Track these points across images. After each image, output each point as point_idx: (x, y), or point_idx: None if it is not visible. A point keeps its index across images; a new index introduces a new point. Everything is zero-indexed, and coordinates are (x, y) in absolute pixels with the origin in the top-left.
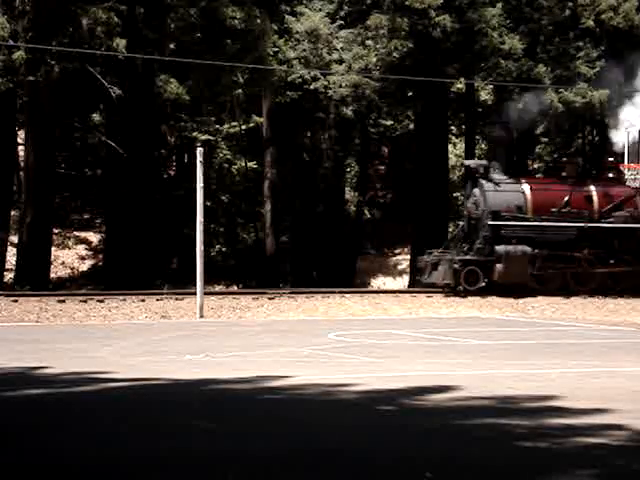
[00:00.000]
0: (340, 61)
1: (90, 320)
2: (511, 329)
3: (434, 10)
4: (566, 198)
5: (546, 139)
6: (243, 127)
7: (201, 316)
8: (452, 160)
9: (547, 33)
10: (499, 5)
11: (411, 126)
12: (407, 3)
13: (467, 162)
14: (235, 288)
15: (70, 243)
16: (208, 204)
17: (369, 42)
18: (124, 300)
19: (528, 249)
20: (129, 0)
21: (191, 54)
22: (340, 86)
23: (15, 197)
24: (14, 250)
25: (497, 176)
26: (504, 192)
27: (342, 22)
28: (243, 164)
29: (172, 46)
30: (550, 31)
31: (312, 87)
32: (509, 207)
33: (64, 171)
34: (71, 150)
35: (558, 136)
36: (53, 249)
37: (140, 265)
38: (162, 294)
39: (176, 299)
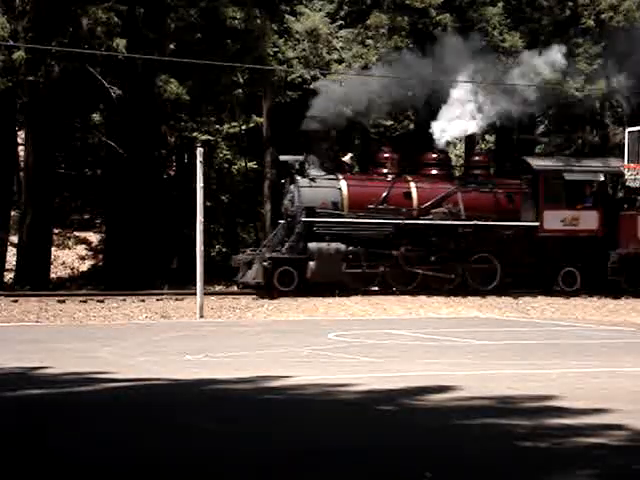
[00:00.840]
0: (340, 61)
1: (90, 320)
2: (511, 329)
3: (434, 9)
4: (384, 194)
5: (546, 139)
6: (243, 127)
7: (201, 316)
8: (452, 160)
9: (547, 33)
10: (500, 4)
11: (411, 126)
12: (407, 2)
13: (283, 157)
14: (235, 288)
15: (70, 243)
16: (208, 204)
17: (369, 41)
18: (124, 300)
19: (342, 246)
20: (129, 0)
21: (191, 54)
22: (340, 85)
23: (15, 197)
24: (14, 250)
25: (313, 172)
26: (320, 188)
27: (342, 22)
28: (243, 164)
29: (172, 46)
30: (550, 31)
31: (312, 87)
32: (325, 203)
33: (64, 171)
34: (71, 150)
35: (558, 136)
36: (53, 249)
37: (140, 265)
38: (162, 294)
39: (176, 299)
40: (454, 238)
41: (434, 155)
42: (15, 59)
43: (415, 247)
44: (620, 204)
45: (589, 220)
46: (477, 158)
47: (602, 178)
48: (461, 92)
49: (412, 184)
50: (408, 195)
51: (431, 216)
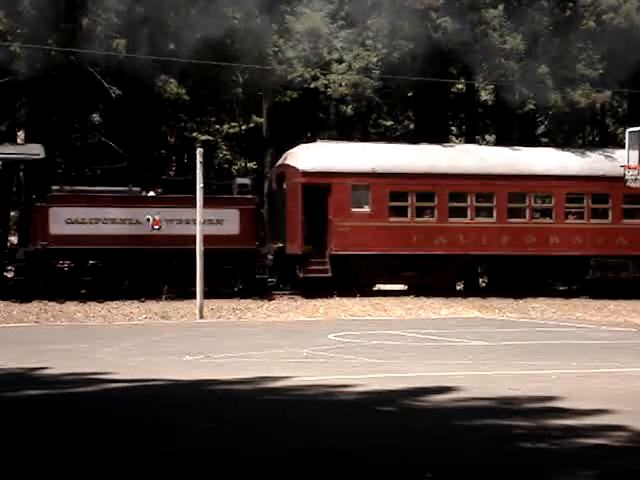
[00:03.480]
0: (340, 61)
1: (90, 321)
2: (511, 330)
3: (435, 11)
4: None
5: (546, 139)
6: (243, 127)
7: (201, 317)
8: None
9: (548, 34)
10: (500, 6)
11: (411, 126)
12: (407, 4)
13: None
14: (235, 289)
15: None
16: None
17: (369, 42)
18: (124, 301)
19: None
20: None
21: (191, 54)
22: (340, 85)
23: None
24: None
25: None
26: None
27: (342, 22)
28: (243, 164)
29: (172, 46)
30: (551, 32)
31: (312, 86)
32: None
33: (63, 171)
34: (71, 150)
35: (559, 136)
36: None
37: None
38: (162, 295)
39: (176, 300)
40: None
41: None
42: (14, 58)
43: None
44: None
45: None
46: None
47: None
48: None
49: None
50: None
51: None
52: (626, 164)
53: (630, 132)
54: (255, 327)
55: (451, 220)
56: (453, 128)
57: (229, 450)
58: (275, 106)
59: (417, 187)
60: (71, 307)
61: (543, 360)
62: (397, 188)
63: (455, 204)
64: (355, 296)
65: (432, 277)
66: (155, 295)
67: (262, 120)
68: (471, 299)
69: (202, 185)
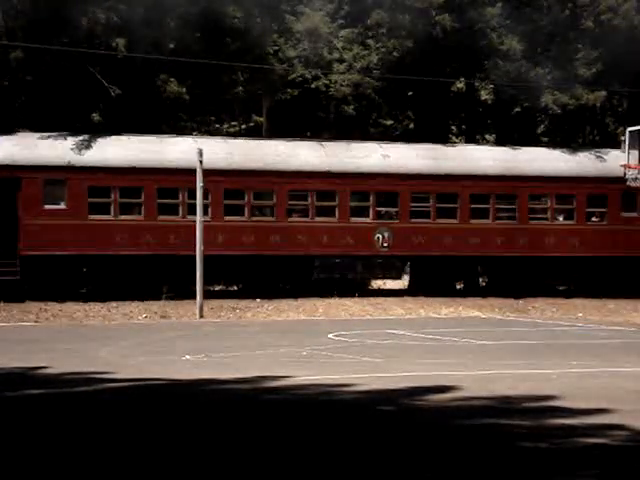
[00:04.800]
0: (341, 60)
1: (90, 320)
2: (511, 329)
3: (434, 9)
4: None
5: (546, 138)
6: (243, 126)
7: (201, 316)
8: None
9: (546, 33)
10: (499, 5)
11: (411, 126)
12: (407, 3)
13: None
14: (235, 288)
15: None
16: None
17: (369, 41)
18: (124, 300)
19: None
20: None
21: (191, 53)
22: (341, 85)
23: None
24: None
25: None
26: None
27: (342, 21)
28: None
29: (172, 45)
30: (550, 31)
31: (313, 86)
32: None
33: None
34: None
35: (558, 135)
36: None
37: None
38: (162, 294)
39: (176, 299)
40: None
41: None
42: (13, 58)
43: None
44: None
45: None
46: None
47: None
48: None
49: None
50: None
51: None
52: (626, 163)
53: (630, 131)
54: (255, 327)
55: (161, 217)
56: (453, 128)
57: (228, 450)
58: (275, 105)
59: (122, 183)
60: (71, 307)
61: (543, 360)
62: (97, 183)
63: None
64: (354, 296)
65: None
66: (155, 295)
67: (262, 119)
68: (471, 299)
69: (202, 185)
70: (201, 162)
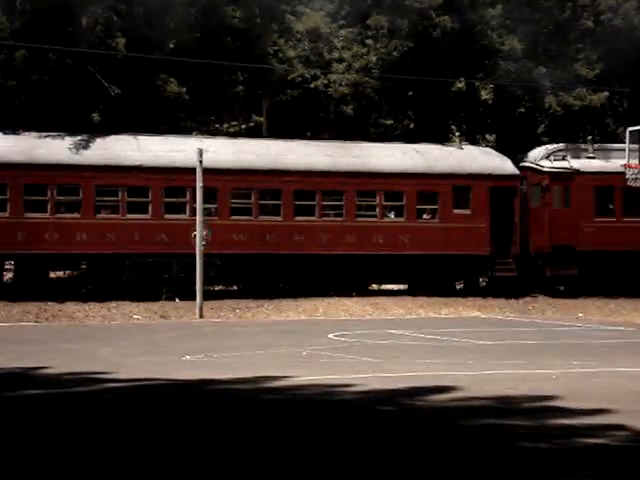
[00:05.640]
0: (340, 60)
1: (89, 320)
2: (511, 329)
3: (434, 10)
4: None
5: (547, 138)
6: (243, 126)
7: (201, 316)
8: None
9: (547, 33)
10: (499, 6)
11: (411, 126)
12: (407, 3)
13: None
14: (235, 288)
15: None
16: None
17: (369, 41)
18: (123, 300)
19: None
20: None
21: (191, 53)
22: (340, 85)
23: None
24: None
25: None
26: None
27: (342, 21)
28: None
29: (172, 45)
30: (550, 31)
31: (312, 86)
32: None
33: None
34: None
35: (559, 135)
36: None
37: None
38: (162, 294)
39: (176, 299)
40: None
41: None
42: (17, 57)
43: None
44: None
45: None
46: None
47: None
48: None
49: None
50: None
51: None
52: (626, 163)
53: (630, 131)
54: (255, 327)
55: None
56: (453, 128)
57: (228, 450)
58: (275, 105)
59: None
60: (71, 307)
61: (543, 360)
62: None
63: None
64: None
65: None
66: (155, 295)
67: (262, 119)
68: (471, 299)
69: (202, 185)
70: (201, 162)
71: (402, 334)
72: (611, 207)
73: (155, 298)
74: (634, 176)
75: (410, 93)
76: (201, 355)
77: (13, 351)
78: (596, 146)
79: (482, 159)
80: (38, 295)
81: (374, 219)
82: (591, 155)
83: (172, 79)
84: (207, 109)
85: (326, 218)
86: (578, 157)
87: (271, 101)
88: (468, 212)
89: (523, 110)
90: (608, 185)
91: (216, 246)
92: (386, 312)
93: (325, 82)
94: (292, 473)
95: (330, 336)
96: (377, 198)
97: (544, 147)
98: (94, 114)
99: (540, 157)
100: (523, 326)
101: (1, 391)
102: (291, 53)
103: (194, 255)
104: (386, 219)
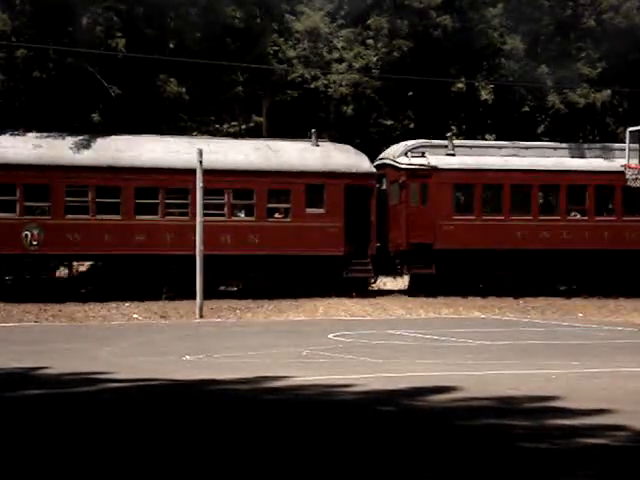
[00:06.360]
0: (340, 60)
1: (89, 320)
2: (511, 329)
3: (434, 10)
4: None
5: (547, 138)
6: (243, 127)
7: (201, 316)
8: None
9: (548, 33)
10: (500, 5)
11: (411, 126)
12: (407, 3)
13: None
14: (235, 288)
15: None
16: None
17: (369, 41)
18: (123, 300)
19: None
20: None
21: (191, 53)
22: (340, 85)
23: None
24: None
25: None
26: None
27: (342, 21)
28: None
29: (172, 45)
30: (551, 30)
31: (312, 86)
32: None
33: None
34: None
35: (559, 135)
36: None
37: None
38: (162, 294)
39: (176, 299)
40: None
41: None
42: (18, 56)
43: None
44: None
45: None
46: None
47: None
48: None
49: None
50: None
51: None
52: (627, 164)
53: (631, 131)
54: (255, 327)
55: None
56: (453, 128)
57: (228, 450)
58: (275, 105)
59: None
60: (71, 307)
61: (543, 360)
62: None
63: None
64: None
65: None
66: (155, 295)
67: (262, 119)
68: (471, 299)
69: (202, 185)
70: (201, 162)
71: (402, 334)
72: (471, 205)
73: (155, 298)
74: (634, 176)
75: (410, 93)
76: (201, 355)
77: (13, 351)
78: (457, 142)
79: (338, 157)
80: (38, 295)
81: (222, 218)
82: (451, 152)
83: (172, 79)
84: (207, 109)
85: (170, 217)
86: (438, 154)
87: (271, 101)
88: (322, 211)
89: (525, 109)
90: (467, 183)
91: (48, 247)
92: (386, 312)
93: (325, 82)
94: (292, 473)
95: (330, 336)
96: (225, 196)
97: (403, 143)
98: (94, 114)
99: (399, 154)
100: (523, 326)
101: (1, 391)
102: (291, 53)
103: (26, 255)
104: (235, 218)
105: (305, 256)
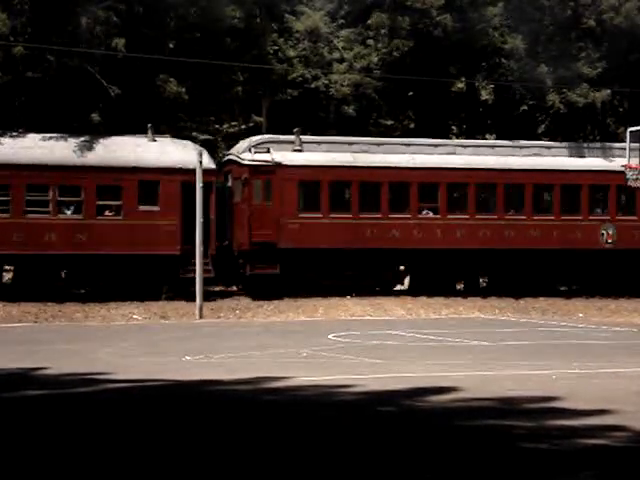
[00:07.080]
0: (341, 60)
1: (89, 321)
2: (512, 330)
3: (435, 10)
4: None
5: (547, 138)
6: (243, 127)
7: (201, 317)
8: None
9: (548, 33)
10: (500, 5)
11: (412, 126)
12: (408, 3)
13: None
14: (235, 288)
15: None
16: None
17: (370, 41)
18: (123, 301)
19: None
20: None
21: (191, 53)
22: (341, 85)
23: None
24: None
25: None
26: None
27: (343, 21)
28: None
29: (172, 45)
30: (551, 30)
31: (313, 86)
32: None
33: None
34: None
35: (559, 135)
36: None
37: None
38: (162, 294)
39: (176, 300)
40: None
41: None
42: (15, 54)
43: None
44: None
45: None
46: None
47: None
48: None
49: None
50: None
51: None
52: (627, 164)
53: (631, 131)
54: (255, 327)
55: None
56: (453, 128)
57: (228, 450)
58: (275, 105)
59: None
60: (70, 307)
61: (543, 360)
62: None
63: None
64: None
65: None
66: (155, 295)
67: (262, 119)
68: (471, 299)
69: (202, 185)
70: (201, 162)
71: (402, 335)
72: (317, 203)
73: (155, 298)
74: (634, 177)
75: (410, 93)
76: (201, 356)
77: (13, 351)
78: (305, 138)
79: (175, 153)
80: (38, 295)
81: (47, 216)
82: (298, 148)
83: (172, 79)
84: (207, 109)
85: None
86: (284, 150)
87: (271, 101)
88: (156, 208)
89: (525, 109)
90: (313, 180)
91: None
92: (386, 313)
93: (326, 82)
94: (292, 474)
95: (330, 336)
96: (50, 193)
97: (248, 139)
98: (94, 114)
99: (242, 149)
100: (523, 327)
101: (1, 392)
102: (291, 53)
103: None
104: (61, 216)
105: (138, 255)
